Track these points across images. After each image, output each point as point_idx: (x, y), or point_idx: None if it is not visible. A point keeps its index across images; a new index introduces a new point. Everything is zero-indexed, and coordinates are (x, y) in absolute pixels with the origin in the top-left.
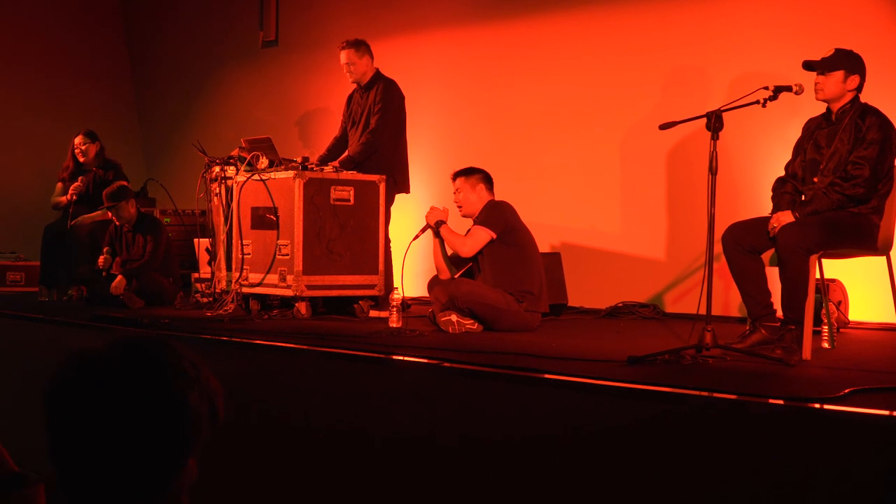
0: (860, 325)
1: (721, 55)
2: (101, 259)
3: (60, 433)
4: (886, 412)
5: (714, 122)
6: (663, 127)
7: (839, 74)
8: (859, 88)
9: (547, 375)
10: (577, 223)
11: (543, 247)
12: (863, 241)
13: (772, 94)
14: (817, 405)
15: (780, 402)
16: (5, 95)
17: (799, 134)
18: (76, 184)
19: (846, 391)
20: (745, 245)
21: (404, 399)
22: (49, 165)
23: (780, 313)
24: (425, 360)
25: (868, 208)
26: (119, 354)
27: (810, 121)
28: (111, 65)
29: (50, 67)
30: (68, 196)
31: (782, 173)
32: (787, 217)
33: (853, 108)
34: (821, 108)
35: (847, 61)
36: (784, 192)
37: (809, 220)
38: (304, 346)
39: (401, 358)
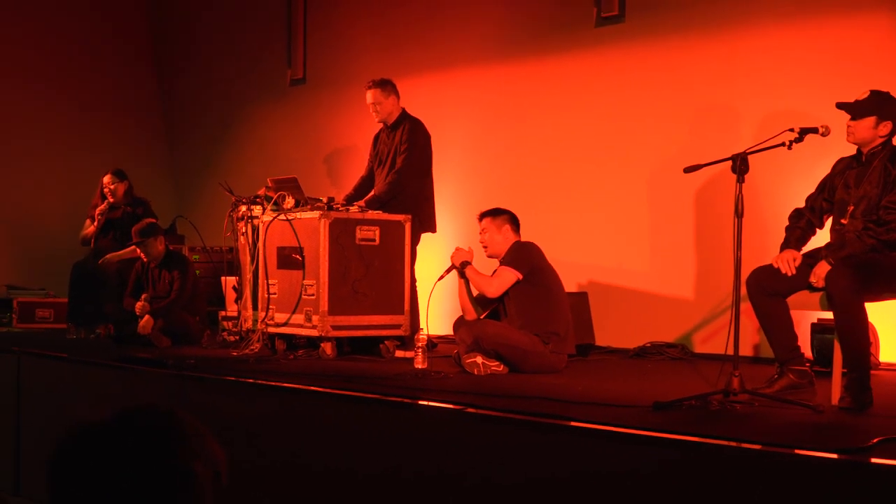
0: (891, 367)
1: (751, 93)
2: (138, 305)
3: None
4: None
5: (739, 164)
6: (688, 170)
7: (871, 120)
8: (891, 133)
9: (571, 423)
10: (604, 262)
11: (570, 286)
12: (895, 284)
13: (797, 136)
14: (845, 456)
15: (807, 452)
16: (37, 132)
17: (827, 171)
18: (101, 206)
19: (875, 441)
20: (768, 289)
21: (428, 444)
22: (79, 202)
23: (808, 354)
24: (449, 406)
25: None
26: (123, 426)
27: (841, 160)
28: (143, 102)
29: (82, 104)
30: (95, 221)
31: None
32: (823, 267)
33: (883, 151)
34: (851, 148)
35: (880, 106)
36: (797, 226)
37: (847, 264)
38: (328, 390)
39: (425, 403)
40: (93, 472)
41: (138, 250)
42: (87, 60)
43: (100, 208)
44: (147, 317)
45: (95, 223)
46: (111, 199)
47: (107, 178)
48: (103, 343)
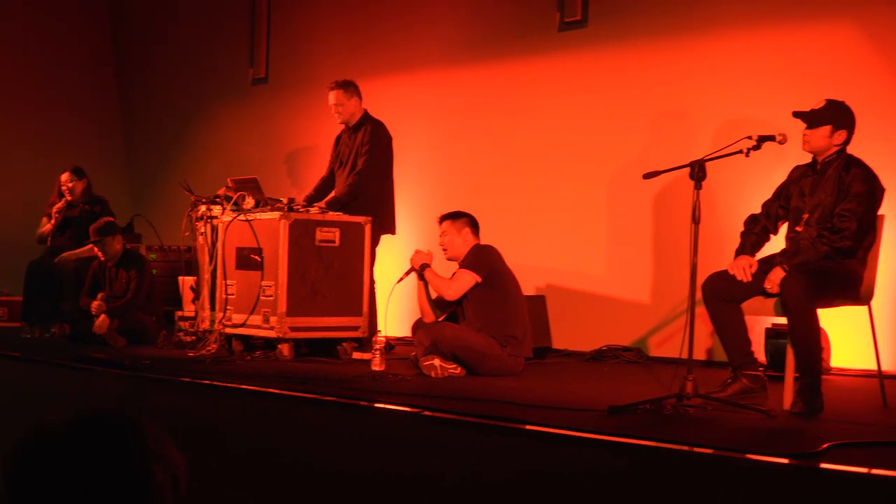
0: (841, 372)
1: (709, 100)
2: (94, 305)
3: None
4: (864, 469)
5: (697, 171)
6: (647, 176)
7: (826, 129)
8: (846, 142)
9: (527, 426)
10: (562, 265)
11: (528, 289)
12: (848, 291)
13: (755, 143)
14: (796, 461)
15: (758, 457)
16: None
17: (784, 179)
18: (59, 204)
19: (824, 446)
20: (723, 294)
21: (384, 447)
22: (35, 200)
23: (761, 358)
24: (406, 409)
25: (854, 260)
26: (82, 431)
27: (797, 167)
28: (100, 100)
29: (38, 102)
30: (52, 219)
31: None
32: (778, 273)
33: (838, 160)
34: (807, 156)
35: (835, 116)
36: (752, 231)
37: (802, 270)
38: (285, 392)
39: (382, 405)
40: (50, 476)
41: (95, 249)
42: (44, 58)
43: (57, 206)
44: (103, 316)
45: (52, 221)
46: (69, 197)
47: (65, 176)
48: (58, 342)
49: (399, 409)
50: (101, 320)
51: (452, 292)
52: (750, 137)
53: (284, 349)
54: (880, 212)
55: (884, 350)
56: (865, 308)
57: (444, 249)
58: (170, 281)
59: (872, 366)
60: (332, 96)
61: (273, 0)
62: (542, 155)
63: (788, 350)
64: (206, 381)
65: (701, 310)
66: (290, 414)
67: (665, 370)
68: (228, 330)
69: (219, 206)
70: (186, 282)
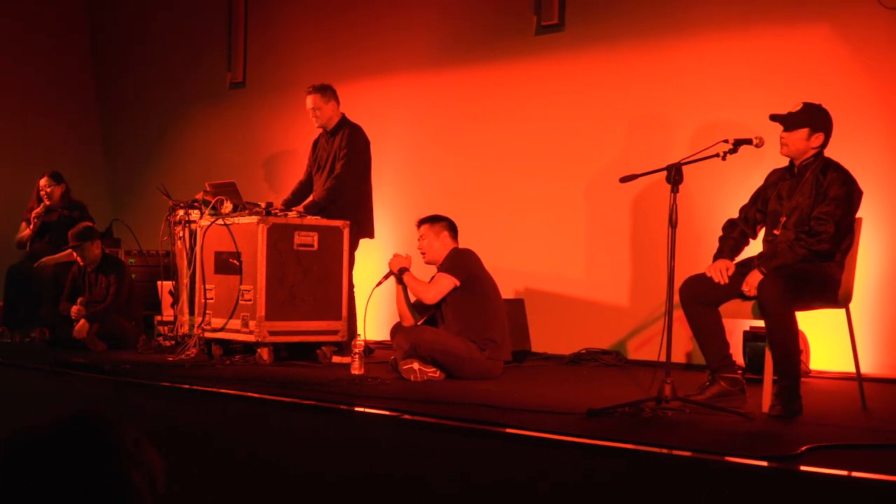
0: (820, 375)
1: (686, 103)
2: (73, 309)
3: None
4: (843, 472)
5: (674, 175)
6: (624, 180)
7: (803, 132)
8: (823, 145)
9: (506, 430)
10: (541, 269)
11: (507, 292)
12: (825, 294)
13: (732, 147)
14: (775, 464)
15: (737, 460)
16: None
17: (761, 182)
18: (37, 209)
19: (803, 449)
20: (701, 297)
21: (364, 450)
22: (14, 206)
23: (740, 361)
24: (385, 412)
25: (832, 263)
26: (61, 436)
27: (774, 171)
28: (78, 104)
29: (16, 107)
30: (31, 224)
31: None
32: (755, 276)
33: (815, 163)
34: (784, 159)
35: (813, 119)
36: (730, 236)
37: (779, 273)
38: (264, 396)
39: (361, 409)
40: (29, 480)
41: (74, 254)
42: (21, 63)
43: (36, 211)
44: (83, 321)
45: (31, 226)
46: (48, 202)
47: (43, 181)
48: (38, 347)
49: (378, 413)
50: (81, 325)
51: (431, 296)
52: (727, 141)
53: (264, 353)
54: (858, 215)
55: (862, 353)
56: (844, 311)
57: (423, 253)
58: (149, 285)
59: (851, 368)
60: (310, 100)
61: (250, 4)
62: (519, 159)
63: (767, 353)
64: (186, 386)
65: (679, 313)
66: (269, 418)
67: (644, 373)
68: (208, 334)
69: (197, 211)
70: (165, 286)
